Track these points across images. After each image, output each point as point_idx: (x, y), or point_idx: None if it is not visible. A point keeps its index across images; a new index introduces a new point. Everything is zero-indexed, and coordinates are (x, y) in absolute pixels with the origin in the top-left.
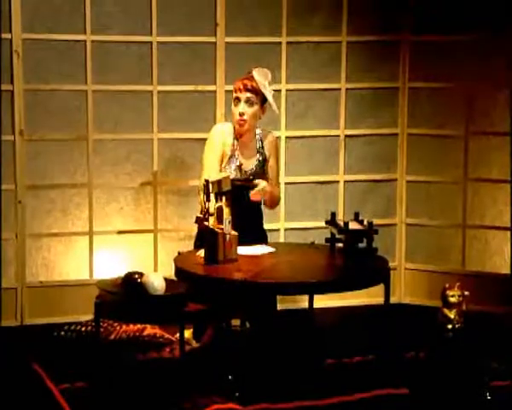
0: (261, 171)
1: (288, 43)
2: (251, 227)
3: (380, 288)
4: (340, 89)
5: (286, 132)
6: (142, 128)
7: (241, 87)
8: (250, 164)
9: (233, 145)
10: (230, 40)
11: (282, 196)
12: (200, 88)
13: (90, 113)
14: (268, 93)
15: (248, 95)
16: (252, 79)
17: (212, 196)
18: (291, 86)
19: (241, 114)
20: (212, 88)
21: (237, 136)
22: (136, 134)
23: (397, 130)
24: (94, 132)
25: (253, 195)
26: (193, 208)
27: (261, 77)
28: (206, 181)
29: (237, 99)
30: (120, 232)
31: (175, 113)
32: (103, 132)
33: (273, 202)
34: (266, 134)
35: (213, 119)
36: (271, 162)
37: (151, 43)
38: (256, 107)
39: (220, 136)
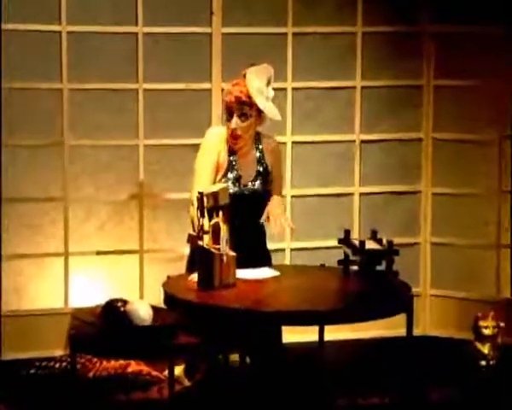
0: (263, 184)
1: (294, 34)
2: (252, 247)
3: (401, 318)
4: (354, 87)
5: (292, 137)
6: (127, 133)
7: (233, 100)
8: (250, 176)
9: (230, 154)
10: (228, 31)
11: (288, 211)
12: (193, 86)
13: (66, 115)
14: (263, 101)
15: (242, 108)
16: (245, 85)
17: (207, 211)
18: (298, 84)
19: (234, 131)
20: (206, 86)
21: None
22: (119, 140)
23: (420, 134)
24: (70, 138)
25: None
26: (184, 225)
27: (258, 79)
28: (200, 193)
29: (230, 111)
30: (100, 253)
31: (164, 115)
32: (81, 138)
33: None
34: (267, 140)
35: (208, 122)
36: (275, 173)
37: (136, 34)
38: (251, 119)
39: (216, 142)
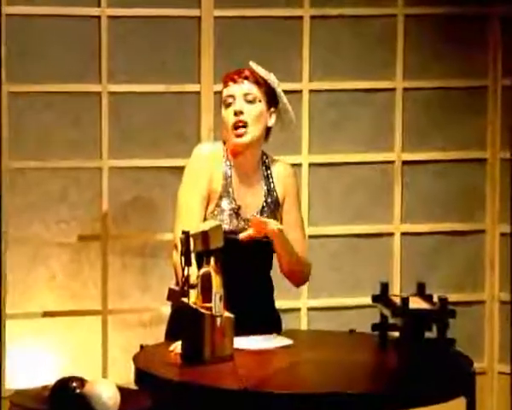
0: (271, 218)
1: (312, 17)
2: (255, 306)
3: (460, 402)
4: (393, 89)
5: (309, 157)
6: (85, 151)
7: (235, 77)
8: (253, 207)
9: (226, 177)
10: (222, 14)
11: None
12: (175, 88)
13: (5, 128)
14: (276, 82)
15: (247, 87)
16: (249, 69)
17: (195, 258)
18: (317, 85)
19: (238, 114)
20: (193, 88)
21: (233, 159)
22: (75, 161)
23: (484, 153)
24: (9, 158)
25: (254, 224)
26: (164, 277)
27: (263, 71)
28: (185, 234)
29: (230, 98)
30: (49, 314)
31: (136, 127)
32: (24, 158)
33: (298, 272)
34: (280, 165)
35: (196, 136)
36: (288, 208)
37: (99, 18)
38: (260, 106)
39: (207, 163)
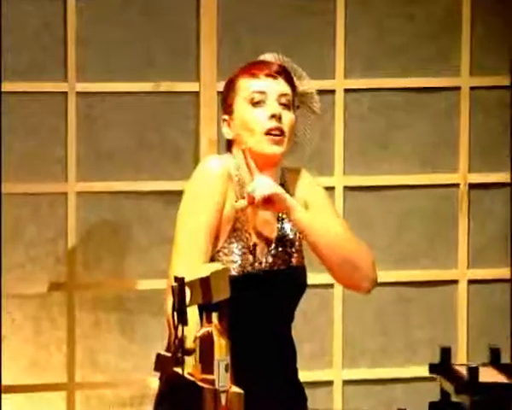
0: (298, 257)
1: None
2: (272, 377)
3: None
4: (457, 88)
5: (344, 179)
6: (46, 171)
7: (268, 70)
8: (274, 240)
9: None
10: None
11: (339, 309)
12: (167, 87)
13: None
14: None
15: (283, 87)
16: (278, 61)
17: (193, 313)
18: (355, 83)
19: (277, 119)
20: (190, 87)
21: (255, 174)
22: (32, 184)
23: None
24: None
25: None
26: (150, 338)
27: (300, 72)
28: (179, 281)
29: (260, 95)
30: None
31: (113, 139)
32: None
33: (355, 259)
34: (294, 175)
35: (193, 151)
36: (322, 207)
37: None
38: (292, 115)
39: (219, 183)
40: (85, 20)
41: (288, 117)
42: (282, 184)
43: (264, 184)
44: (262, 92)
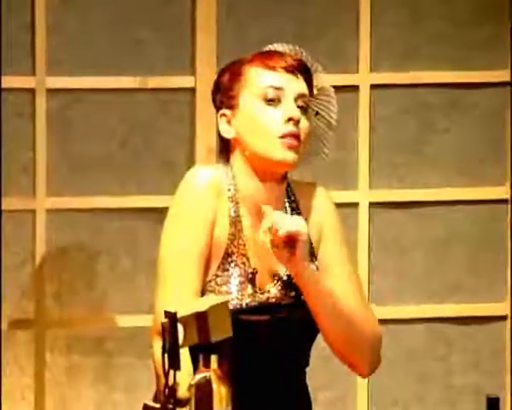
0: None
1: None
2: None
3: None
4: (506, 84)
5: (370, 194)
6: (10, 184)
7: (287, 63)
8: (274, 266)
9: (235, 221)
10: None
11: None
12: (154, 83)
13: None
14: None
15: (302, 86)
16: (294, 54)
17: (187, 356)
18: (381, 78)
19: (295, 123)
20: (184, 83)
21: (258, 186)
22: None
23: None
24: None
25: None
26: (134, 386)
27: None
28: (170, 317)
29: (276, 92)
30: None
31: (91, 145)
32: None
33: (358, 346)
34: (307, 191)
35: (187, 161)
36: (331, 250)
37: None
38: (308, 122)
39: (208, 198)
40: (57, 2)
41: (304, 123)
42: (292, 202)
43: (291, 220)
44: (279, 88)
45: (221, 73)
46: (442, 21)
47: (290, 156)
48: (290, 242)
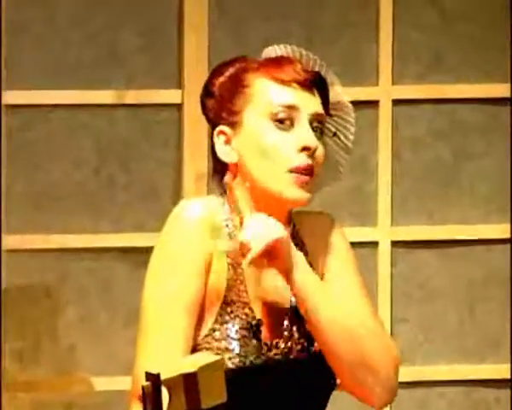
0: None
1: None
2: None
3: None
4: None
5: (392, 231)
6: None
7: (300, 76)
8: (278, 312)
9: (233, 264)
10: None
11: None
12: (134, 97)
13: None
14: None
15: (318, 103)
16: (304, 63)
17: None
18: (405, 92)
19: (311, 153)
20: (169, 98)
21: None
22: None
23: None
24: None
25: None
26: None
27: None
28: (153, 379)
29: (290, 112)
30: None
31: (59, 172)
32: None
33: (367, 377)
34: (311, 220)
35: (172, 190)
36: (334, 276)
37: None
38: (323, 147)
39: (200, 237)
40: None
41: (320, 152)
42: (296, 239)
43: (265, 227)
44: (292, 107)
45: (216, 75)
46: (476, 23)
47: (303, 196)
48: (270, 253)
